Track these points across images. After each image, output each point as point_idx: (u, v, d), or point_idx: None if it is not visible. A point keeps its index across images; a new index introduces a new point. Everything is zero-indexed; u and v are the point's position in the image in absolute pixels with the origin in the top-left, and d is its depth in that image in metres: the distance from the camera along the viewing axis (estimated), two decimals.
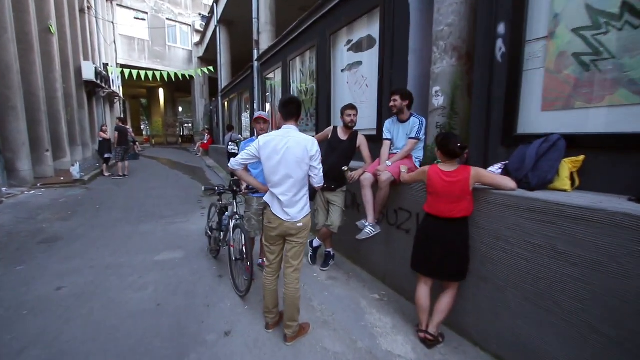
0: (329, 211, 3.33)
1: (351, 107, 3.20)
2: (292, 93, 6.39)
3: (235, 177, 3.06)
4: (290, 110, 2.15)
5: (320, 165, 2.17)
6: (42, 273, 3.23)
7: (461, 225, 2.09)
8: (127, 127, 14.94)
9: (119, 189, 7.83)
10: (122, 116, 15.89)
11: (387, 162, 2.89)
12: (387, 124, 3.09)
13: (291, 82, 6.33)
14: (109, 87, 13.99)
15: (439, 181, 2.07)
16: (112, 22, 16.09)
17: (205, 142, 15.83)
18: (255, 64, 8.43)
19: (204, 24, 18.22)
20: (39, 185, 7.41)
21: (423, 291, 2.25)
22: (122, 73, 13.64)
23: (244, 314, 2.60)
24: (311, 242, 3.63)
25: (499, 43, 2.50)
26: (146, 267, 3.44)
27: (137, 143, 15.42)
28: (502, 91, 2.47)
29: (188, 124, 40.48)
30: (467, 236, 2.12)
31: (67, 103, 10.06)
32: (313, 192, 3.09)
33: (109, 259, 3.64)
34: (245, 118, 10.60)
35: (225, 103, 13.78)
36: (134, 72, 12.61)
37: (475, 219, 2.14)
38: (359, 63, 4.26)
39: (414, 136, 2.87)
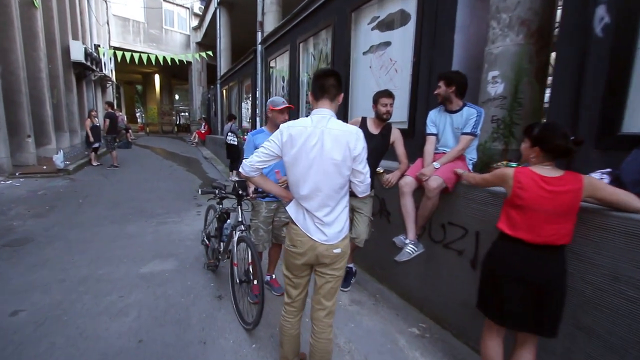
0: (353, 221, 2.74)
1: (387, 94, 2.59)
2: (300, 81, 5.74)
3: (241, 178, 2.45)
4: (327, 85, 1.50)
5: (367, 169, 1.56)
6: None
7: (561, 257, 1.50)
8: (119, 113, 14.18)
9: (107, 181, 7.16)
10: (112, 101, 15.08)
11: (435, 163, 2.28)
12: (432, 115, 2.48)
13: (300, 68, 5.68)
14: (101, 70, 13.15)
15: (537, 191, 1.45)
16: (106, 1, 15.14)
17: (203, 131, 15.10)
18: (259, 47, 7.73)
19: (202, 7, 17.31)
20: (17, 174, 6.72)
21: (495, 344, 1.66)
22: (115, 55, 12.79)
23: (251, 356, 2.01)
24: None
25: (600, 11, 1.88)
26: (129, 282, 2.83)
27: (130, 130, 14.71)
28: (602, 76, 1.86)
29: (185, 112, 39.49)
30: (565, 272, 1.53)
31: (53, 85, 9.28)
32: None
33: (85, 269, 3.02)
34: (246, 108, 9.91)
35: (224, 91, 13.04)
36: (127, 55, 11.78)
37: (575, 247, 1.56)
38: (387, 44, 3.62)
39: (469, 131, 2.27)
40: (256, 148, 2.56)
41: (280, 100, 2.48)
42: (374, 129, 2.67)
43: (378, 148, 2.65)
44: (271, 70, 7.27)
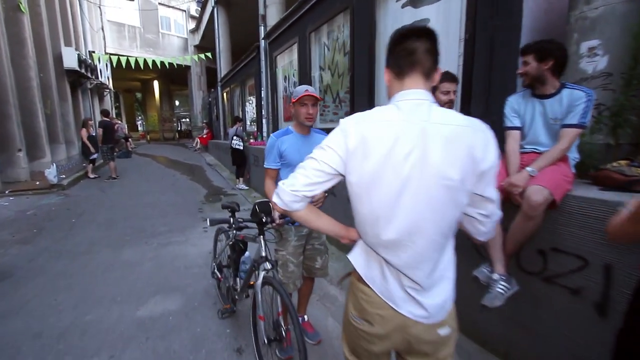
0: None
1: (451, 77, 1.98)
2: (312, 77, 5.13)
3: (263, 199, 1.83)
4: (418, 51, 0.89)
5: (497, 194, 0.93)
6: None
7: None
8: (117, 121, 13.66)
9: (104, 195, 6.59)
10: (109, 109, 14.57)
11: (528, 168, 1.66)
12: (513, 102, 1.86)
13: (311, 61, 5.07)
14: (97, 77, 12.63)
15: None
16: (99, 6, 14.63)
17: (205, 136, 14.55)
18: (262, 43, 7.13)
19: (199, 8, 16.77)
20: (7, 192, 6.18)
21: None
22: (110, 61, 12.27)
23: None
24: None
25: None
26: (123, 332, 2.24)
27: (129, 139, 14.20)
28: None
29: (185, 118, 39.10)
30: None
31: (45, 95, 8.73)
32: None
33: (69, 315, 2.43)
34: (249, 111, 9.31)
35: (225, 94, 12.46)
36: (123, 59, 11.24)
37: None
38: (424, 21, 3.00)
39: (575, 122, 1.63)
40: (281, 156, 1.97)
41: (302, 89, 1.81)
42: None
43: None
44: (280, 69, 6.68)
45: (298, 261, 1.97)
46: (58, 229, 4.46)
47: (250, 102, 9.15)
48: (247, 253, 2.07)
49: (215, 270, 2.53)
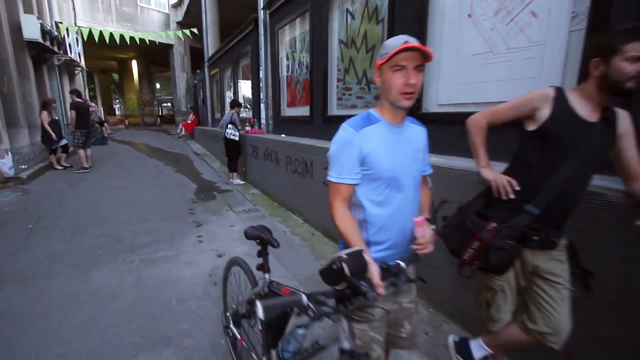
0: (537, 297, 1.37)
1: None
2: (329, 50, 4.24)
3: (349, 252, 0.97)
4: None
5: None
6: None
7: None
8: (92, 104, 12.26)
9: (73, 191, 5.55)
10: (81, 90, 13.09)
11: None
12: None
13: (329, 35, 4.17)
14: (65, 52, 11.16)
15: None
16: None
17: (190, 122, 13.35)
18: (261, 14, 6.12)
19: None
20: None
21: None
22: (81, 33, 10.83)
23: None
24: (462, 345, 1.67)
25: None
26: None
27: (105, 124, 12.84)
28: None
29: (167, 102, 37.09)
30: None
31: (1, 71, 7.44)
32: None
33: None
34: (244, 94, 8.29)
35: (214, 75, 11.30)
36: (95, 32, 9.88)
37: None
38: None
39: None
40: (364, 163, 1.13)
41: (399, 40, 1.02)
42: (587, 111, 1.27)
43: (598, 149, 1.27)
44: (278, 45, 5.72)
45: (384, 337, 1.18)
46: (6, 240, 3.48)
47: (245, 84, 8.13)
48: (299, 331, 1.20)
49: (232, 326, 1.69)
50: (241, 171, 6.57)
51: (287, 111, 5.75)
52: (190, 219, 4.25)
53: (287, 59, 5.55)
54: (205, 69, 11.72)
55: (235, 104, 6.22)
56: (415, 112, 2.91)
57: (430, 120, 2.71)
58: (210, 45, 11.77)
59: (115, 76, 28.99)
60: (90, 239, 3.52)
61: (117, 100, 32.37)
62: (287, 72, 5.60)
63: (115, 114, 28.13)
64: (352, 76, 3.90)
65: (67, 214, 4.36)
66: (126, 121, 20.12)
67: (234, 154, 6.17)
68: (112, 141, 12.30)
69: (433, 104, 2.88)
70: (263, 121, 6.58)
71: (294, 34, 5.20)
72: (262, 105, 6.51)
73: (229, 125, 5.98)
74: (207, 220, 4.21)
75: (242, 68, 8.05)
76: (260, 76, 6.40)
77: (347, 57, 3.97)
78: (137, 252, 3.23)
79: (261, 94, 6.48)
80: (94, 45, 18.06)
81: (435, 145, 2.07)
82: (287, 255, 3.18)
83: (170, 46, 17.87)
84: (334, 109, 4.32)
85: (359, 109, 3.83)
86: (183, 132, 13.48)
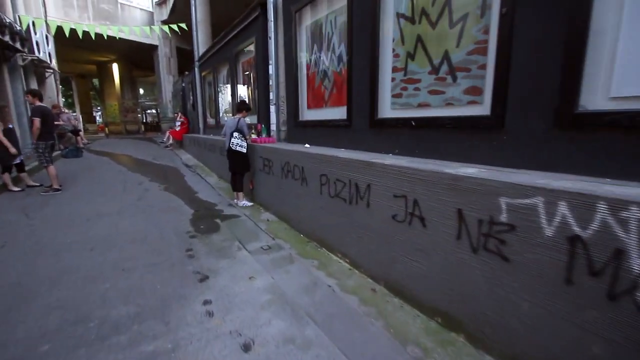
0: None
1: None
2: (380, 27, 3.10)
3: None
4: None
5: None
6: None
7: None
8: (66, 110, 10.76)
9: (28, 224, 4.19)
10: (54, 95, 11.57)
11: None
12: None
13: (381, 5, 3.03)
14: (31, 52, 9.67)
15: None
16: None
17: (178, 129, 11.97)
18: None
19: None
20: None
21: None
22: (47, 27, 9.40)
23: None
24: None
25: None
26: None
27: (80, 133, 11.35)
28: None
29: (152, 109, 35.30)
30: None
31: None
32: None
33: None
34: (243, 96, 7.05)
35: (205, 76, 10.03)
36: (66, 26, 8.49)
37: None
38: None
39: None
40: None
41: None
42: None
43: None
44: (296, 31, 4.54)
45: None
46: None
47: (244, 84, 6.90)
48: None
49: None
50: (247, 189, 5.33)
51: (308, 114, 4.56)
52: (189, 268, 2.99)
53: (308, 49, 4.38)
54: (196, 69, 10.42)
55: (243, 106, 4.98)
56: (568, 110, 1.79)
57: (597, 125, 1.62)
58: (201, 43, 10.52)
59: (96, 81, 27.16)
60: (33, 319, 2.22)
61: (99, 107, 30.47)
62: (308, 65, 4.43)
63: (95, 122, 26.27)
64: (422, 62, 2.75)
65: (10, 264, 3.03)
66: (106, 129, 18.41)
67: (241, 169, 4.93)
68: (89, 152, 10.80)
69: (600, 98, 1.75)
70: (273, 127, 5.37)
71: (320, 13, 4.04)
72: (272, 108, 5.30)
73: (235, 134, 4.74)
74: (214, 269, 2.96)
75: (243, 65, 6.82)
76: (270, 72, 5.20)
77: (411, 36, 2.82)
78: (107, 346, 1.96)
79: (270, 94, 5.28)
80: (68, 45, 16.51)
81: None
82: (347, 333, 2.00)
83: (154, 47, 16.48)
84: (386, 110, 3.16)
85: (434, 108, 2.68)
86: (170, 141, 12.08)
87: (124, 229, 3.98)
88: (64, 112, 10.55)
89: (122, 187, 6.23)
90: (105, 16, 14.91)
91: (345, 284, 2.72)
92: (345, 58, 3.63)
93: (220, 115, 8.79)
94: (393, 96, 3.08)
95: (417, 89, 2.83)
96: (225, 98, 8.42)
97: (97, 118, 28.95)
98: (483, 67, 2.29)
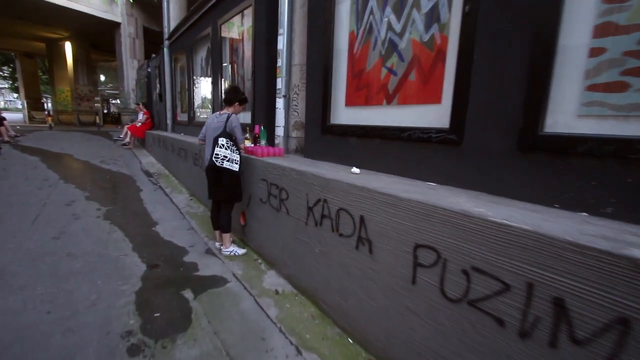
0: None
1: None
2: None
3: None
4: None
5: None
6: None
7: None
8: None
9: None
10: None
11: None
12: None
13: None
14: None
15: None
16: None
17: (140, 124, 9.67)
18: None
19: None
20: None
21: None
22: None
23: None
24: None
25: None
26: None
27: (5, 122, 8.78)
28: None
29: (117, 99, 31.68)
30: None
31: None
32: None
33: None
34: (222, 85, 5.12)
35: (176, 59, 7.92)
36: None
37: None
38: None
39: None
40: None
41: None
42: None
43: None
44: None
45: None
46: None
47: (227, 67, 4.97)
48: None
49: None
50: (236, 223, 3.46)
51: (346, 114, 2.79)
52: None
53: (355, 4, 2.61)
54: (165, 50, 8.25)
55: (234, 96, 3.04)
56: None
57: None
58: (173, 18, 8.38)
59: (47, 62, 23.52)
60: None
61: (47, 93, 26.67)
62: (353, 34, 2.66)
63: (44, 109, 22.63)
64: None
65: None
66: (49, 119, 15.33)
67: (230, 197, 3.05)
68: (15, 149, 8.25)
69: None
70: (279, 132, 3.54)
71: None
72: (280, 103, 3.47)
73: (221, 141, 2.86)
74: None
75: (232, 43, 4.89)
76: (280, 46, 3.36)
77: None
78: None
79: (278, 82, 3.44)
80: (2, 14, 13.50)
81: None
82: None
83: (116, 25, 13.89)
84: (571, 116, 1.47)
85: None
86: (128, 138, 9.75)
87: (6, 325, 1.99)
88: None
89: (37, 210, 4.08)
90: None
91: None
92: (445, 15, 1.92)
93: (196, 109, 6.76)
94: (588, 89, 1.39)
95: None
96: (202, 87, 6.42)
97: (47, 105, 25.17)
98: None
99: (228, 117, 2.91)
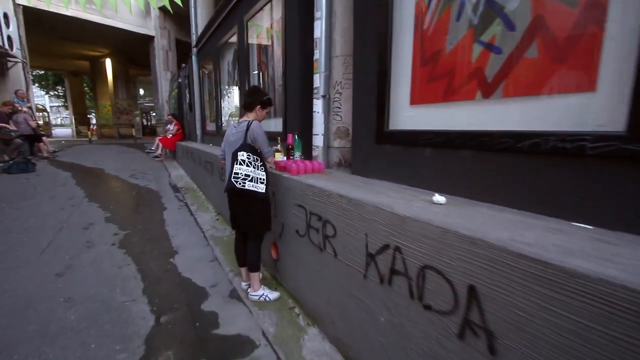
0: None
1: None
2: None
3: None
4: None
5: None
6: None
7: None
8: (21, 107, 8.28)
9: None
10: (22, 88, 9.20)
11: None
12: None
13: None
14: None
15: None
16: None
17: (170, 136, 9.49)
18: None
19: None
20: None
21: None
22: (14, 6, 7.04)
23: None
24: None
25: None
26: None
27: (43, 139, 8.92)
28: None
29: (154, 112, 33.08)
30: None
31: None
32: None
33: None
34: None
35: (204, 66, 7.57)
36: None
37: None
38: None
39: None
40: None
41: None
42: None
43: None
44: None
45: None
46: None
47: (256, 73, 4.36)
48: None
49: None
50: (269, 258, 2.78)
51: (414, 116, 2.01)
52: None
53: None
54: (193, 58, 7.96)
55: (255, 98, 2.35)
56: None
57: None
58: (201, 25, 8.08)
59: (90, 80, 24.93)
60: None
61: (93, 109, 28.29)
62: (421, 4, 1.90)
63: (89, 125, 23.97)
64: None
65: None
66: (89, 133, 15.97)
67: (257, 226, 2.38)
68: (51, 164, 8.32)
69: None
70: (318, 142, 2.83)
71: None
72: (318, 104, 2.76)
73: (241, 155, 2.21)
74: None
75: (260, 39, 4.30)
76: (317, 34, 2.67)
77: None
78: None
79: (315, 78, 2.74)
80: (51, 36, 14.26)
81: None
82: None
83: (150, 39, 14.17)
84: None
85: None
86: (160, 150, 9.60)
87: None
88: (20, 110, 8.11)
89: (51, 236, 3.69)
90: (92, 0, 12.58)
91: None
92: None
93: (224, 118, 6.30)
94: None
95: None
96: (230, 94, 5.93)
97: (93, 120, 26.70)
98: None
99: (248, 125, 2.25)
